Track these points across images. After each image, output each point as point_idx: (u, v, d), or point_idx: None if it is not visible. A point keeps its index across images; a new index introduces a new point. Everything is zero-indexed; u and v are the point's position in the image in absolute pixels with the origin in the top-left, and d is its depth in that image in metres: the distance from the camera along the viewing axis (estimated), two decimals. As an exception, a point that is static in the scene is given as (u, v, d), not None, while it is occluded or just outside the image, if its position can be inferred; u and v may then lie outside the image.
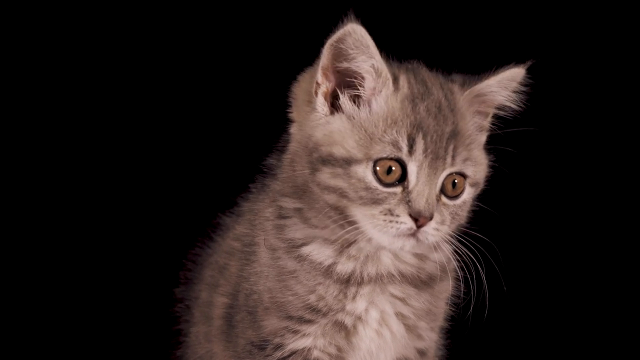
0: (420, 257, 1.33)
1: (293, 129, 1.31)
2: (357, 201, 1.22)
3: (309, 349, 1.32)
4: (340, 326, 1.31)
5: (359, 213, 1.22)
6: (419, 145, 1.20)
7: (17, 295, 1.94)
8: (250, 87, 1.94)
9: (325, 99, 1.25)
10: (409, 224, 1.20)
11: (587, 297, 2.04)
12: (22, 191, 1.96)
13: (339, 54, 1.23)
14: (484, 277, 1.27)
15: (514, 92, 1.30)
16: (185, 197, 1.95)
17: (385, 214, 1.21)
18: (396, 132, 1.21)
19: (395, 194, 1.21)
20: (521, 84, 1.30)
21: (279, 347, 1.32)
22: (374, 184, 1.21)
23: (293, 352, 1.32)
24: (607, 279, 2.04)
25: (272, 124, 1.36)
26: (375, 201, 1.21)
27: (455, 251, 1.29)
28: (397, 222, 1.20)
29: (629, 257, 2.04)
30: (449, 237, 1.27)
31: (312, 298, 1.29)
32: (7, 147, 1.95)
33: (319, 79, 1.25)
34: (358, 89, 1.24)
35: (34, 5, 1.94)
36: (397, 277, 1.30)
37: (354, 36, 1.20)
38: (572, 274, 2.04)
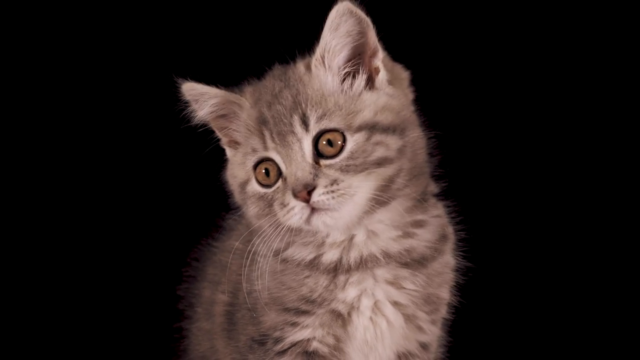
0: (402, 230, 1.32)
1: None
2: (264, 212, 1.29)
3: (308, 340, 1.33)
4: (337, 315, 1.32)
5: (280, 218, 1.27)
6: (267, 135, 1.26)
7: (17, 295, 1.96)
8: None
9: (230, 146, 1.38)
10: (298, 204, 1.24)
11: (581, 290, 2.02)
12: (36, 189, 1.99)
13: (200, 112, 1.35)
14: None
15: (355, 21, 1.27)
16: (191, 197, 1.96)
17: (282, 209, 1.26)
18: (251, 138, 1.29)
19: (279, 187, 1.27)
20: (352, 12, 1.26)
21: (278, 340, 1.34)
22: (262, 190, 1.29)
23: (293, 345, 1.33)
24: (596, 262, 2.02)
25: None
26: (270, 203, 1.27)
27: None
28: (291, 209, 1.24)
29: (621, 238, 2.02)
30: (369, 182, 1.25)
31: (304, 290, 1.31)
32: (7, 147, 1.98)
33: (219, 136, 1.38)
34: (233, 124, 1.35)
35: (34, 5, 1.98)
36: (382, 258, 1.31)
37: (191, 93, 1.33)
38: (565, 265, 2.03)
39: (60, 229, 2.00)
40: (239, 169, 1.33)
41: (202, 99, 1.33)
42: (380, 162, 1.24)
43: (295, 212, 1.24)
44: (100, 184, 2.01)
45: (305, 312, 1.32)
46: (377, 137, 1.25)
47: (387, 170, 1.25)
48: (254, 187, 1.30)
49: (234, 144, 1.36)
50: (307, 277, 1.31)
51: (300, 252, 1.32)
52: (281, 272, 1.32)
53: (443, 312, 1.42)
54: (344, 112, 1.25)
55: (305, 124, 1.25)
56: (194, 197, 1.93)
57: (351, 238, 1.31)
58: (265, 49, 1.45)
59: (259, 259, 1.33)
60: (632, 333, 1.96)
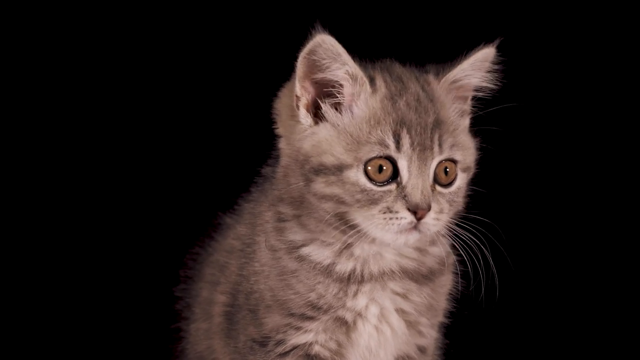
0: (421, 250, 1.34)
1: (281, 144, 1.33)
2: (354, 205, 1.24)
3: (310, 344, 1.33)
4: (341, 322, 1.32)
5: (359, 216, 1.24)
6: (405, 139, 1.23)
7: (17, 295, 1.95)
8: (251, 88, 1.94)
9: (307, 110, 1.28)
10: (409, 218, 1.22)
11: (587, 281, 2.05)
12: (21, 192, 1.97)
13: (312, 66, 1.25)
14: (490, 258, 1.29)
15: (488, 71, 1.32)
16: (186, 197, 1.96)
17: (385, 212, 1.23)
18: (381, 131, 1.23)
19: (390, 191, 1.23)
20: (493, 62, 1.31)
21: (280, 342, 1.33)
22: (368, 185, 1.23)
23: (295, 347, 1.33)
24: (604, 255, 2.06)
25: (273, 124, 1.36)
26: (373, 201, 1.23)
27: (458, 236, 1.29)
28: (397, 218, 1.22)
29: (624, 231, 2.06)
30: (448, 225, 1.29)
31: (313, 296, 1.30)
32: (7, 147, 1.96)
33: (297, 92, 1.27)
34: (337, 97, 1.27)
35: (33, 5, 1.96)
36: (398, 273, 1.32)
37: (324, 46, 1.23)
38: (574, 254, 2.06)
39: (56, 229, 1.98)
40: (341, 150, 1.24)
41: (330, 60, 1.24)
42: (459, 207, 1.30)
43: (400, 223, 1.22)
44: (96, 184, 2.00)
45: (310, 318, 1.32)
46: (467, 182, 1.31)
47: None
48: (359, 177, 1.23)
49: (318, 118, 1.28)
50: (319, 282, 1.30)
51: (320, 254, 1.31)
52: (292, 272, 1.31)
53: (441, 317, 1.43)
54: (462, 147, 1.28)
55: (440, 145, 1.25)
56: (190, 197, 1.94)
57: (375, 255, 1.32)
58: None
59: (263, 254, 1.33)
60: (615, 331, 2.01)
